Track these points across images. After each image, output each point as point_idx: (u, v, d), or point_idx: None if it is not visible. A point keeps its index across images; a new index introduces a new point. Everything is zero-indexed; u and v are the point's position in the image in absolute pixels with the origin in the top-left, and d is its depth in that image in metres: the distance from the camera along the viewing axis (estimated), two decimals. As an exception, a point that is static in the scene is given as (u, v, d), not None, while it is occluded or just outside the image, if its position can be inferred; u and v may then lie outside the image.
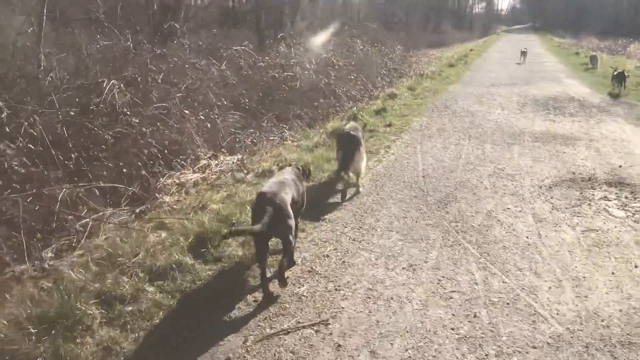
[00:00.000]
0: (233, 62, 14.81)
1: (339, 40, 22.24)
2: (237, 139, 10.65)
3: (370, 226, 5.67)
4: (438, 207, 6.21)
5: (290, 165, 5.63)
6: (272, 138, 10.95)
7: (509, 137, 9.76)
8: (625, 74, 15.15)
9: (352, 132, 6.68)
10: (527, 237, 5.34)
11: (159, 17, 15.25)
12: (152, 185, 7.05)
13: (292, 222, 4.37)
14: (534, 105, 13.27)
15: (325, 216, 5.95)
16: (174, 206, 6.18)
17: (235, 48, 15.19)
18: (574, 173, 7.50)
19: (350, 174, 6.59)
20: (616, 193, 6.74)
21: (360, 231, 5.54)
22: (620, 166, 7.79)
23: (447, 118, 11.51)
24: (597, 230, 5.51)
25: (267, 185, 4.60)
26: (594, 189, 6.91)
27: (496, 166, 7.90)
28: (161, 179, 7.27)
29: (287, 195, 4.45)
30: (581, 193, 6.74)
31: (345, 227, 5.65)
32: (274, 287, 4.26)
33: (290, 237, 4.34)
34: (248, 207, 5.55)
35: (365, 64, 19.51)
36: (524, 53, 25.76)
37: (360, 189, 6.73)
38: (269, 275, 4.31)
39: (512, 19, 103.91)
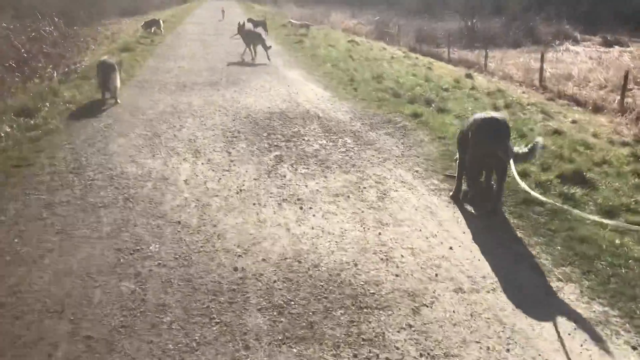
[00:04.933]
0: None
1: None
2: None
3: None
4: None
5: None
6: None
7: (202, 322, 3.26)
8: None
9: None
10: None
11: None
12: None
13: (117, 75, 8.50)
14: (252, 139, 7.07)
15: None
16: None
17: None
18: None
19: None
20: None
21: None
22: None
23: (58, 231, 4.44)
24: None
25: (104, 58, 8.86)
26: None
27: None
28: None
29: (114, 62, 8.58)
30: None
31: None
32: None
33: (117, 82, 8.53)
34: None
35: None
36: (223, 12, 29.63)
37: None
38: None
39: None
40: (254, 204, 4.97)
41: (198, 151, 6.51)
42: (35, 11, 19.17)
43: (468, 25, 33.06)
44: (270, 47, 13.66)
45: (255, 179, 5.61)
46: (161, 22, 19.67)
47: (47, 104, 8.05)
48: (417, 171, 5.93)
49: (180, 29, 22.41)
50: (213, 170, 5.83)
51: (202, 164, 6.06)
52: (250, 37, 13.68)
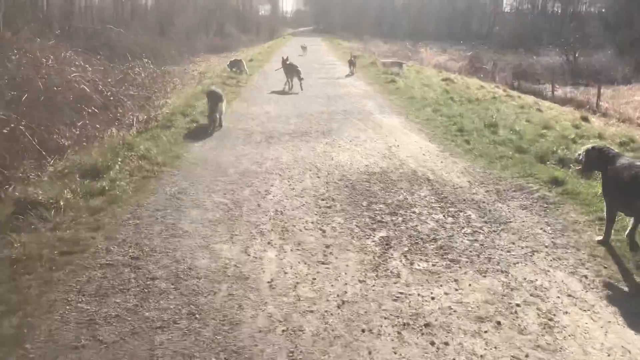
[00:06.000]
0: None
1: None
2: None
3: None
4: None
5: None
6: None
7: None
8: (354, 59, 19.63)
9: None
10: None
11: None
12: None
13: (224, 103, 9.74)
14: (350, 211, 5.68)
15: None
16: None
17: None
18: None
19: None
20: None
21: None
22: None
23: None
24: None
25: (213, 87, 10.52)
26: None
27: None
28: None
29: (221, 92, 10.02)
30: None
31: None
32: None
33: (223, 108, 9.72)
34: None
35: (58, 97, 10.59)
36: (304, 48, 30.42)
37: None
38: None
39: (297, 21, 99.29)
40: (363, 331, 3.48)
41: (286, 229, 5.16)
42: (127, 52, 19.18)
43: (569, 60, 30.49)
44: (303, 79, 14.80)
45: (360, 281, 4.14)
46: (244, 62, 19.02)
47: (120, 159, 7.06)
48: (585, 276, 4.20)
49: (267, 67, 21.72)
50: (305, 263, 4.43)
51: (291, 250, 4.69)
52: (290, 70, 14.93)
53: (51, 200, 5.41)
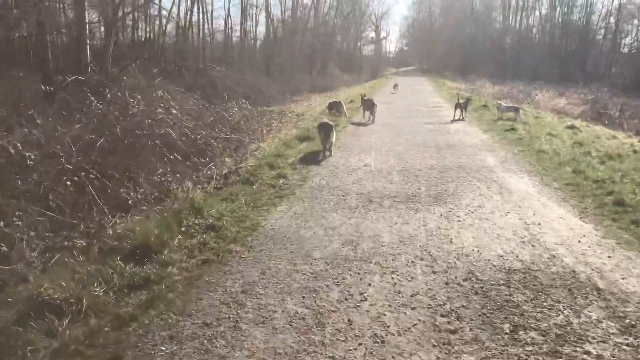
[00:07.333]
0: None
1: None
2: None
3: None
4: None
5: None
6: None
7: None
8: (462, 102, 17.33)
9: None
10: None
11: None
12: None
13: (334, 133, 10.54)
14: (487, 344, 3.68)
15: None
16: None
17: None
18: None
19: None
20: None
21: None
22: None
23: None
24: None
25: (324, 120, 11.49)
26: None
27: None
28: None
29: (332, 123, 10.84)
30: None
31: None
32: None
33: (333, 139, 10.52)
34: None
35: (141, 141, 9.53)
36: (395, 86, 32.45)
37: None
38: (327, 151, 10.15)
39: (400, 60, 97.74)
40: None
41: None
42: (227, 92, 18.38)
43: None
44: (377, 109, 16.26)
45: None
46: (343, 104, 17.62)
47: (182, 229, 5.53)
48: None
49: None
50: None
51: None
52: (368, 104, 16.46)
53: (71, 300, 3.88)
